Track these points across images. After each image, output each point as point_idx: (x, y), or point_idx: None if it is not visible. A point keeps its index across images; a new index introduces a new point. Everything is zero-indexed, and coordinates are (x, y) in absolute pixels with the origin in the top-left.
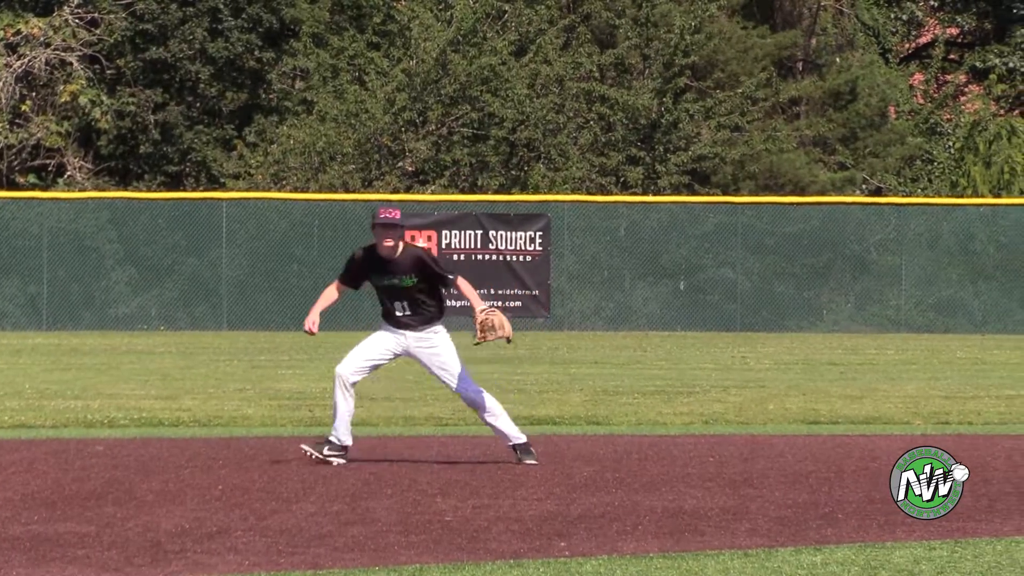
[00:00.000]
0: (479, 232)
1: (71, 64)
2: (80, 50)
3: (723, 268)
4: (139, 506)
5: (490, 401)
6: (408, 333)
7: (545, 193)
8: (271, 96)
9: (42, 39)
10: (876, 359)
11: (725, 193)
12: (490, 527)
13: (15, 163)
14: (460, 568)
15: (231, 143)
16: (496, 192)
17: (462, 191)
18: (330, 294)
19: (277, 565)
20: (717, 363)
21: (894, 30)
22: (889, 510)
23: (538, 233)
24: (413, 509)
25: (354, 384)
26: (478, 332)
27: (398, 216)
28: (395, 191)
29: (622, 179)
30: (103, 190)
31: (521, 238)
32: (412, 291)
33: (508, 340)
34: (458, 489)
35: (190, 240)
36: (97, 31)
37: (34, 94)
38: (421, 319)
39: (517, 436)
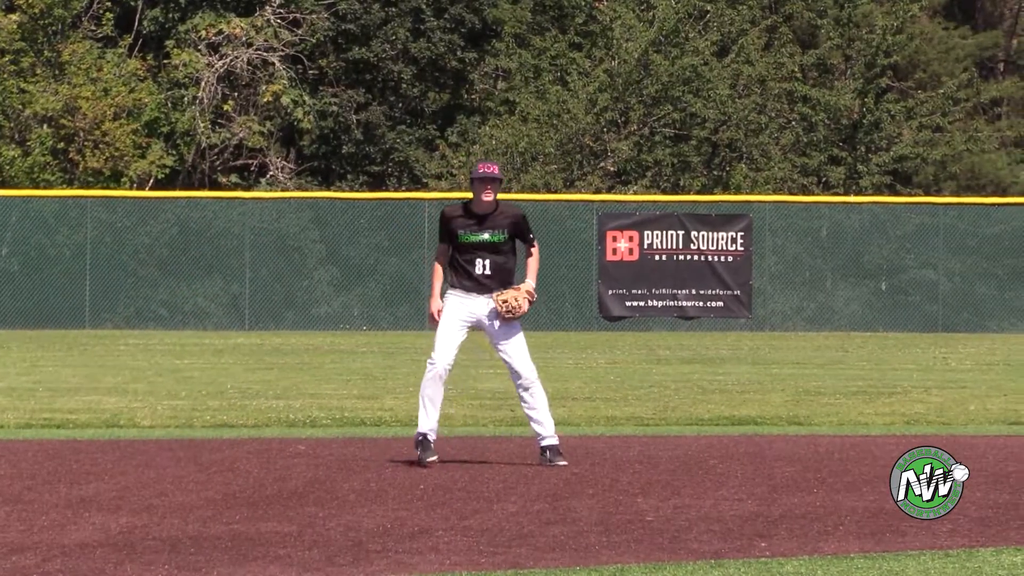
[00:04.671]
0: (681, 232)
1: (273, 64)
2: (282, 50)
3: (925, 269)
4: (341, 505)
5: (541, 393)
6: (485, 298)
7: (747, 193)
8: (473, 96)
9: (244, 39)
10: None
11: (927, 193)
12: (691, 527)
13: (217, 163)
14: (661, 568)
15: (433, 143)
16: (698, 192)
17: (664, 191)
18: (439, 271)
19: (478, 565)
20: (918, 364)
21: None
22: None
23: (740, 233)
24: (615, 509)
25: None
26: (503, 310)
27: (497, 171)
28: (597, 191)
29: (824, 179)
30: (305, 190)
31: (723, 238)
32: (500, 248)
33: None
34: (659, 489)
35: (392, 240)
36: (299, 31)
37: (236, 94)
38: (500, 283)
39: (552, 436)
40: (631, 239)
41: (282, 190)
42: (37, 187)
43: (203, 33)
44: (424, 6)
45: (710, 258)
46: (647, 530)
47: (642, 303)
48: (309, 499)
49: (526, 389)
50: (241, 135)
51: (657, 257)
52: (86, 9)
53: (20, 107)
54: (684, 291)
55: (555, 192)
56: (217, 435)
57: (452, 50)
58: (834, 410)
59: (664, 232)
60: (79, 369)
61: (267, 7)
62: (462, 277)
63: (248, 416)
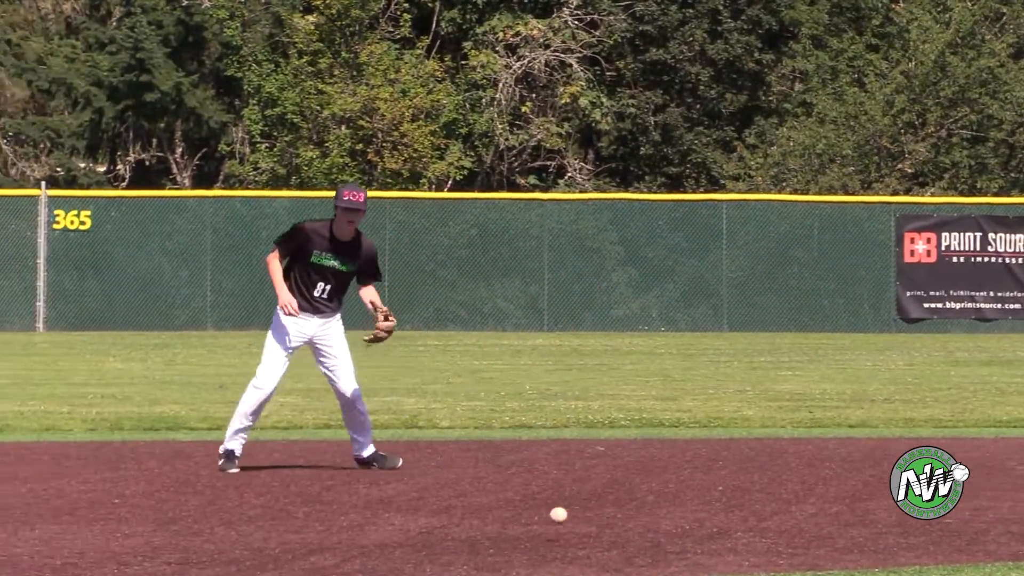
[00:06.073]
0: (978, 234)
1: (571, 66)
2: (580, 52)
3: None
4: (639, 507)
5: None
6: (315, 319)
7: None
8: (771, 98)
9: (541, 40)
10: None
11: None
12: (989, 529)
13: (516, 164)
14: (960, 570)
15: (731, 145)
16: (995, 194)
17: (961, 193)
18: (278, 269)
19: (776, 566)
20: None
21: None
22: None
23: None
24: None
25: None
26: (381, 332)
27: (362, 200)
28: (894, 193)
29: None
30: (604, 191)
31: (1021, 241)
32: (345, 277)
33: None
34: None
35: (691, 241)
36: (596, 33)
37: (534, 95)
38: (333, 308)
39: (368, 448)
40: (929, 241)
41: (580, 191)
42: (335, 188)
43: (500, 35)
44: (721, 7)
45: (1008, 260)
46: (945, 532)
47: (940, 305)
48: (608, 500)
49: (352, 407)
50: (539, 136)
51: (955, 259)
52: (383, 10)
53: (318, 108)
54: (982, 293)
55: (852, 194)
56: (515, 436)
57: (749, 51)
58: None
59: (962, 234)
60: (378, 370)
61: (564, 8)
62: (296, 295)
63: (547, 417)
